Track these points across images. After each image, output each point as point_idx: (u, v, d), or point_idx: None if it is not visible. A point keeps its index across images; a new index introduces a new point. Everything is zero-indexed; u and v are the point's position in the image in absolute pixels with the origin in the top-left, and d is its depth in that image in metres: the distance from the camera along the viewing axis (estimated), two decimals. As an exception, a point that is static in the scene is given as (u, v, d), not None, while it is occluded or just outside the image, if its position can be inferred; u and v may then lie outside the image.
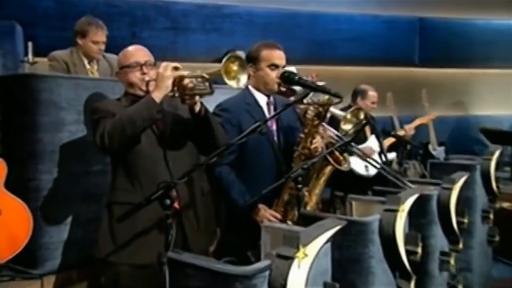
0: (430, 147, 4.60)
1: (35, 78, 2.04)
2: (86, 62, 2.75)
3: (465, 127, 5.01)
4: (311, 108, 1.94)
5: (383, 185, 3.48)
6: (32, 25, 3.40)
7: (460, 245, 2.31)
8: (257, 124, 1.52)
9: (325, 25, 4.59)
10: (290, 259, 1.08)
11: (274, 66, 1.97)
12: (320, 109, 1.93)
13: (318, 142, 1.93)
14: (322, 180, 1.97)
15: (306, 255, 1.11)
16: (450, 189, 2.23)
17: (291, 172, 1.73)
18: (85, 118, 2.05)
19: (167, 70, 1.55)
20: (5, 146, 2.06)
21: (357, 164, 3.77)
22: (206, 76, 1.51)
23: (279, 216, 1.88)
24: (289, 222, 1.86)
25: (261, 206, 1.86)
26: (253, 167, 1.90)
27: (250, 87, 2.03)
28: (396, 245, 1.68)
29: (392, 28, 4.76)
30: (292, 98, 2.21)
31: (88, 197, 2.08)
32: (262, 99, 2.02)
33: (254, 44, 2.05)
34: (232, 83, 1.49)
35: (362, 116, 2.55)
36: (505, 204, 4.04)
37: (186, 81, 1.55)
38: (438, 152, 4.62)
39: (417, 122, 4.05)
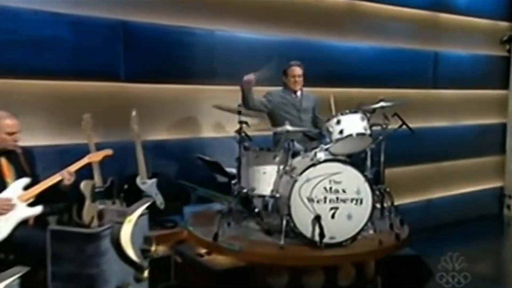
0: (139, 180, 4.13)
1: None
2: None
3: (189, 152, 4.59)
4: None
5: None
6: None
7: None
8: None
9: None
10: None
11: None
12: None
13: None
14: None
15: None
16: None
17: None
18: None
19: None
20: None
21: None
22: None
23: None
24: None
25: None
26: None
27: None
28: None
29: (84, 33, 4.05)
30: None
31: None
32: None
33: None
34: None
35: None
36: (203, 251, 3.77)
37: None
38: (149, 185, 4.18)
39: (84, 161, 3.46)
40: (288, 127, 3.76)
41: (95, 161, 3.55)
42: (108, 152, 3.61)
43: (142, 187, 4.11)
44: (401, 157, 5.60)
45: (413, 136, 4.35)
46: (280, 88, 4.49)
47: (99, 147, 3.76)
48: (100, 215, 3.43)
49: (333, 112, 4.02)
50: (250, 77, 4.04)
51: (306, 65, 4.50)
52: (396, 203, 4.18)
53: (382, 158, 3.99)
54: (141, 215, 2.77)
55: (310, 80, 4.56)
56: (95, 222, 3.59)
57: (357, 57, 5.63)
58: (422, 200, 6.28)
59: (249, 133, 3.96)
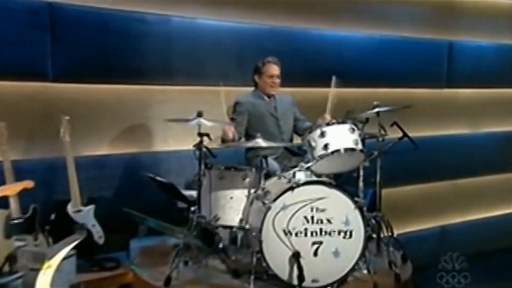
0: (70, 207, 4.11)
1: None
2: None
3: (137, 171, 4.59)
4: None
5: None
6: None
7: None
8: None
9: None
10: None
11: None
12: None
13: None
14: None
15: None
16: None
17: None
18: None
19: None
20: None
21: None
22: None
23: None
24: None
25: None
26: None
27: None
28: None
29: (4, 20, 4.05)
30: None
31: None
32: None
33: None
34: None
35: None
36: None
37: None
38: (84, 214, 4.16)
39: None
40: (261, 142, 3.77)
41: (9, 195, 3.52)
42: (28, 184, 3.48)
43: (75, 216, 4.08)
44: (407, 173, 5.71)
45: (423, 147, 4.42)
46: (249, 89, 4.53)
47: (18, 166, 3.75)
48: (12, 258, 3.28)
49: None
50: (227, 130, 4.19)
51: (287, 60, 4.57)
52: (400, 231, 4.27)
53: (378, 178, 4.03)
54: (66, 257, 2.74)
55: (291, 78, 4.62)
56: (7, 267, 3.51)
57: (351, 49, 5.68)
58: (434, 227, 6.37)
59: (213, 148, 3.99)
